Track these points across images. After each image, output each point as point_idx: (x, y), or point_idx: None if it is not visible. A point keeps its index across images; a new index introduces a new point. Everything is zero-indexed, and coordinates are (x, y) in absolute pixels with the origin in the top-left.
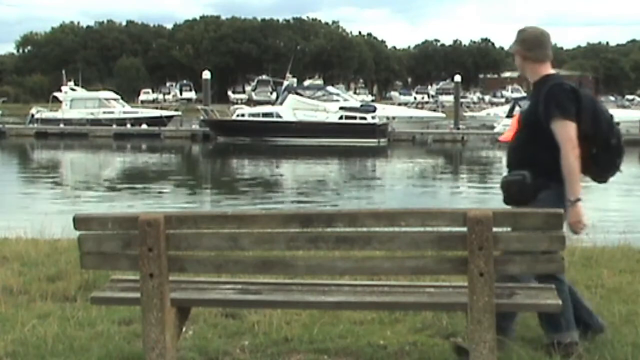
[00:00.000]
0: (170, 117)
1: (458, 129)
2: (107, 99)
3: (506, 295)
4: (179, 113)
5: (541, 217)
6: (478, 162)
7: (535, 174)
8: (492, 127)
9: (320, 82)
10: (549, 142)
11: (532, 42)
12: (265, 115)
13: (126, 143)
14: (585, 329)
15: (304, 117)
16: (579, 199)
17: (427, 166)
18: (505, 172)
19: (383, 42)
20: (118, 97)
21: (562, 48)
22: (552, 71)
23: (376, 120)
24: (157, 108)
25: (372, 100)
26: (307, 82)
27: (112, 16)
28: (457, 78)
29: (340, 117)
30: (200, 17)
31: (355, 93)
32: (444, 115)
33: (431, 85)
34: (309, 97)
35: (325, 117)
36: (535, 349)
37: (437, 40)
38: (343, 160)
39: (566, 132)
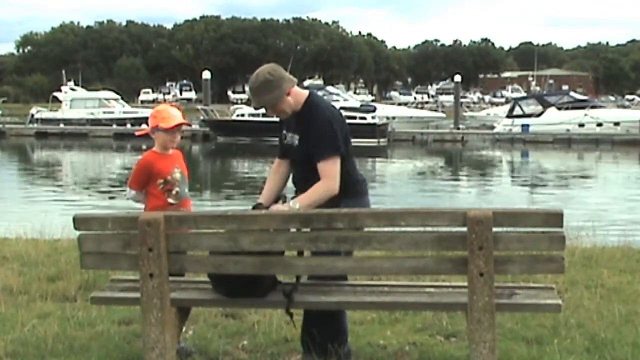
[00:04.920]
0: None
1: (458, 129)
2: (107, 99)
3: (506, 295)
4: None
5: (541, 217)
6: (478, 162)
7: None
8: (492, 127)
9: (320, 82)
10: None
11: (277, 78)
12: (265, 115)
13: (126, 143)
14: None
15: None
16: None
17: (427, 166)
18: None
19: (383, 42)
20: (118, 97)
21: (562, 48)
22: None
23: (376, 120)
24: None
25: (372, 100)
26: (307, 82)
27: (112, 16)
28: (457, 78)
29: None
30: (200, 17)
31: (355, 93)
32: (444, 115)
33: (431, 85)
34: None
35: None
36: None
37: (437, 40)
38: None
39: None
